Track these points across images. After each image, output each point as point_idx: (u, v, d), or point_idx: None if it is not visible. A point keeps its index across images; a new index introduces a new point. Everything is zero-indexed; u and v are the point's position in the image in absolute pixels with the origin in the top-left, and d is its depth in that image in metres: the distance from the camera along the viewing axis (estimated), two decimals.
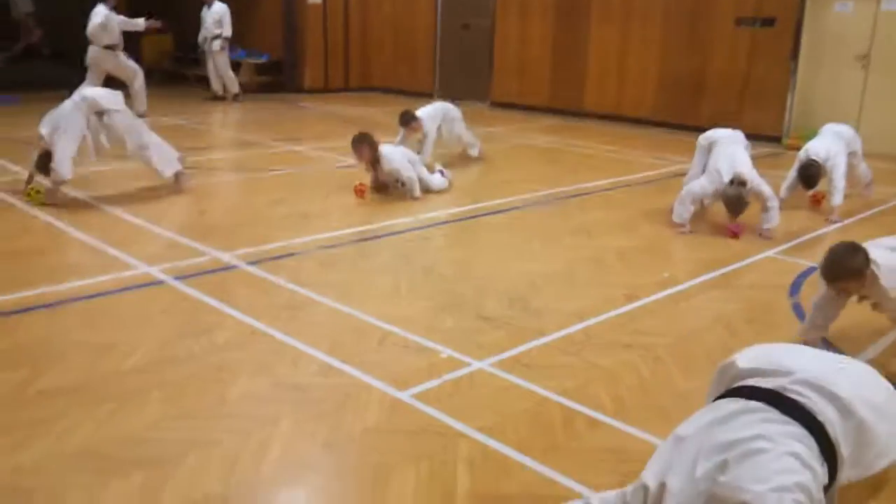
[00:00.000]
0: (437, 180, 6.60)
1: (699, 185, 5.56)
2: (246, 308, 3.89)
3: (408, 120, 7.46)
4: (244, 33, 14.48)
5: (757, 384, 2.01)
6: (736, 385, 2.06)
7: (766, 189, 5.46)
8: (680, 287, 4.43)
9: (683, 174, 6.18)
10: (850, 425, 1.91)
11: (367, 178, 6.41)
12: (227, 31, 11.93)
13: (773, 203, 5.47)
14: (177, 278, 4.30)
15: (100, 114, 5.70)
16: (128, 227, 5.32)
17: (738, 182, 5.38)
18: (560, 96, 11.83)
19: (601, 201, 6.53)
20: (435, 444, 2.73)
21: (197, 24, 12.21)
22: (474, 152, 8.13)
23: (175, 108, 11.38)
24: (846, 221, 6.03)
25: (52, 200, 5.63)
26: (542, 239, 5.35)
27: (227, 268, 4.53)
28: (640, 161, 8.42)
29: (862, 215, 6.26)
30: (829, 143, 6.12)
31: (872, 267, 3.16)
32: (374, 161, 6.24)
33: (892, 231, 5.69)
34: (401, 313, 3.90)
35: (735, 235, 5.46)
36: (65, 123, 5.55)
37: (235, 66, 13.94)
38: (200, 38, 12.07)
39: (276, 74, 13.77)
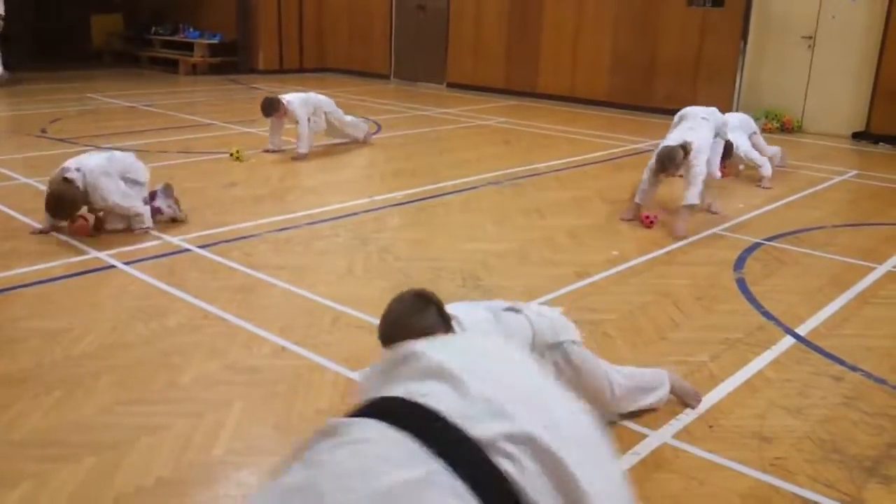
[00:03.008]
0: None
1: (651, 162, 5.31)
2: (197, 292, 3.88)
3: (269, 109, 6.83)
4: (197, 13, 14.26)
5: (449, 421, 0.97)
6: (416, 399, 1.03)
7: (700, 168, 5.09)
8: (629, 264, 4.53)
9: (636, 153, 6.27)
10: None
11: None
12: None
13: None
14: (127, 263, 4.27)
15: None
16: None
17: (681, 146, 5.12)
18: (515, 78, 11.87)
19: (554, 181, 6.62)
20: None
21: (147, 4, 11.87)
22: (363, 137, 7.67)
23: (125, 89, 11.16)
24: (790, 199, 6.20)
25: None
26: (495, 219, 5.41)
27: (179, 251, 4.51)
28: (594, 141, 8.52)
29: (804, 193, 6.44)
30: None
31: (454, 325, 2.39)
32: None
33: (837, 209, 5.93)
34: (354, 294, 3.93)
35: (649, 225, 5.28)
36: None
37: (188, 47, 13.72)
38: None
39: (229, 55, 13.55)
